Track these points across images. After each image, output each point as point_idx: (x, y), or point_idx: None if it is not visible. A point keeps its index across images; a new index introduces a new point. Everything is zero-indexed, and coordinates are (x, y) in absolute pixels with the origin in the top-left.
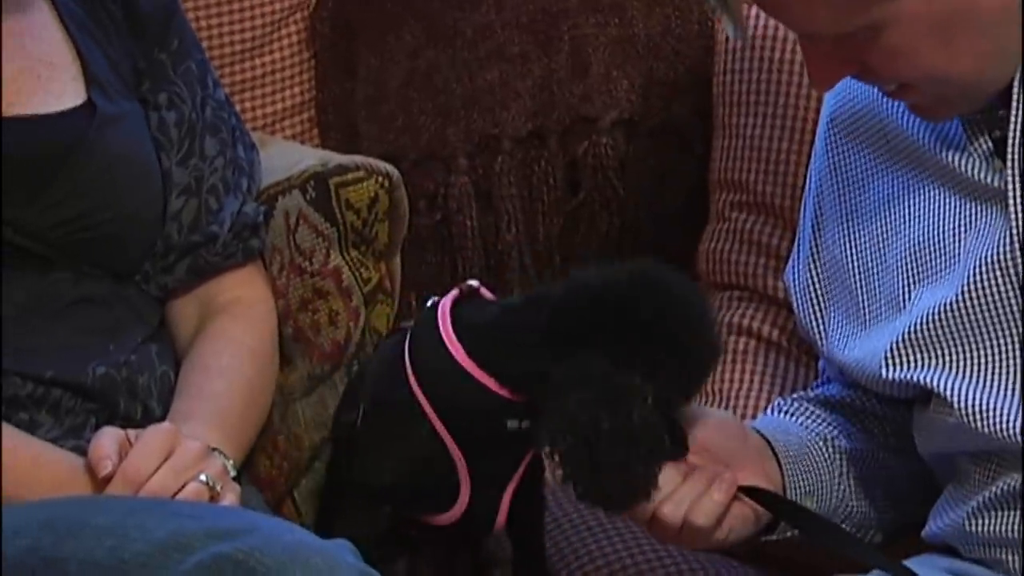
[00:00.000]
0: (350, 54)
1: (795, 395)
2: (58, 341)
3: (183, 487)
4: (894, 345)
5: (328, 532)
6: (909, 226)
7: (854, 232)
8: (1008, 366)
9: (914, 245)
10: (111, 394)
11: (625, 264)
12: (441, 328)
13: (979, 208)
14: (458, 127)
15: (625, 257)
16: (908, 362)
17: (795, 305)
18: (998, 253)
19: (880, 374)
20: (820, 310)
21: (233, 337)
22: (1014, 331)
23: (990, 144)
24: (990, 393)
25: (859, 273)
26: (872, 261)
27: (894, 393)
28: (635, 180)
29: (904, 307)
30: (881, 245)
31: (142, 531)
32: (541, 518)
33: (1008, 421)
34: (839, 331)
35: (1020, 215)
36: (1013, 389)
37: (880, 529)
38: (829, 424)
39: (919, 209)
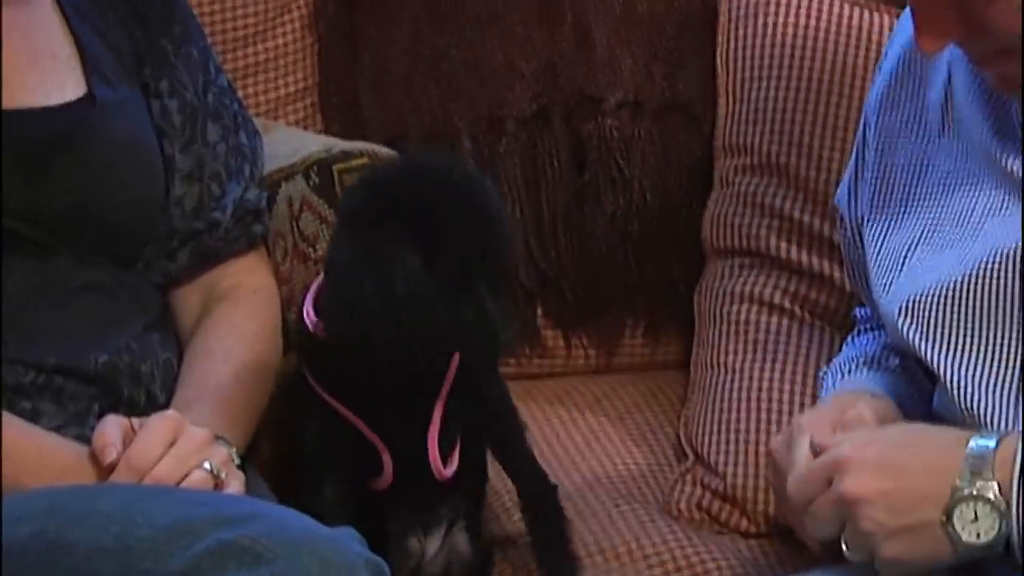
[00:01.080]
0: (353, 38)
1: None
2: (60, 328)
3: (188, 475)
4: (903, 307)
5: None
6: (939, 190)
7: (892, 170)
8: (1006, 359)
9: (938, 210)
10: (114, 381)
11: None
12: (305, 298)
13: (1010, 198)
14: (462, 108)
15: (631, 235)
16: (911, 331)
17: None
18: (1016, 246)
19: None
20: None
21: (236, 323)
22: (1016, 325)
23: None
24: (984, 384)
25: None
26: (899, 208)
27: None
28: (640, 159)
29: (905, 266)
30: (909, 199)
31: (147, 518)
32: (512, 439)
33: (997, 415)
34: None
35: None
36: (1009, 385)
37: None
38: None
39: (955, 178)
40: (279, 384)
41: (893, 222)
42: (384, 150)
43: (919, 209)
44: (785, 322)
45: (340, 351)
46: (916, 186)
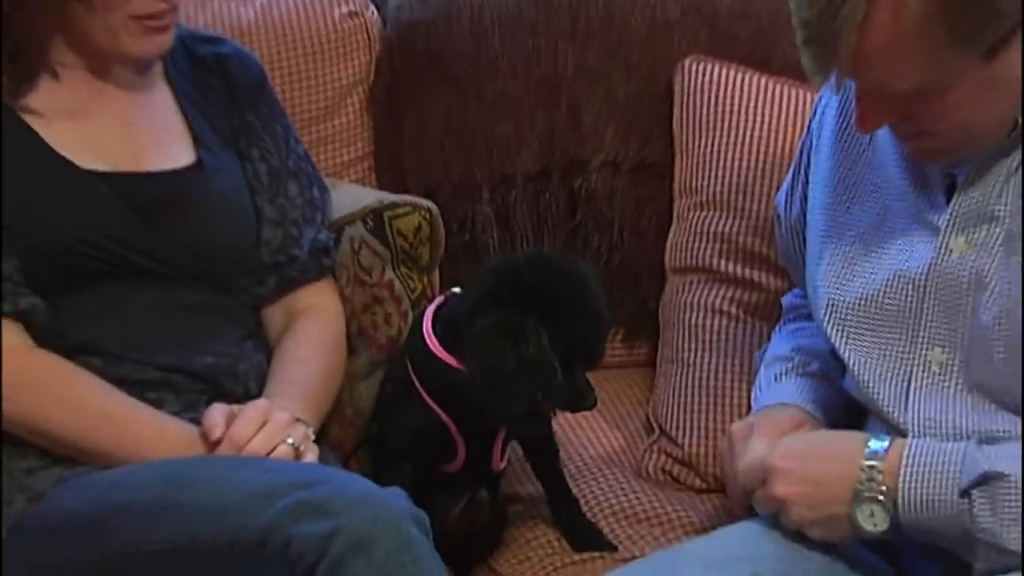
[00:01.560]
0: (398, 117)
1: (781, 366)
2: (177, 338)
3: (274, 448)
4: (828, 306)
5: (379, 482)
6: (864, 220)
7: (830, 199)
8: (898, 358)
9: (861, 236)
10: (218, 378)
11: (526, 251)
12: (424, 324)
13: (919, 232)
14: (482, 168)
15: (612, 263)
16: (831, 328)
17: (778, 231)
18: (917, 273)
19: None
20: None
21: (311, 334)
22: (908, 333)
23: (944, 189)
24: (880, 375)
25: (825, 228)
26: (833, 228)
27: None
28: (619, 206)
29: (836, 273)
30: (843, 220)
31: (242, 482)
32: (553, 460)
33: (888, 398)
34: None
35: (943, 251)
36: (898, 376)
37: None
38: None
39: (879, 212)
40: (386, 385)
41: (832, 237)
42: (423, 201)
43: (855, 229)
44: (728, 323)
45: (470, 386)
46: (855, 210)
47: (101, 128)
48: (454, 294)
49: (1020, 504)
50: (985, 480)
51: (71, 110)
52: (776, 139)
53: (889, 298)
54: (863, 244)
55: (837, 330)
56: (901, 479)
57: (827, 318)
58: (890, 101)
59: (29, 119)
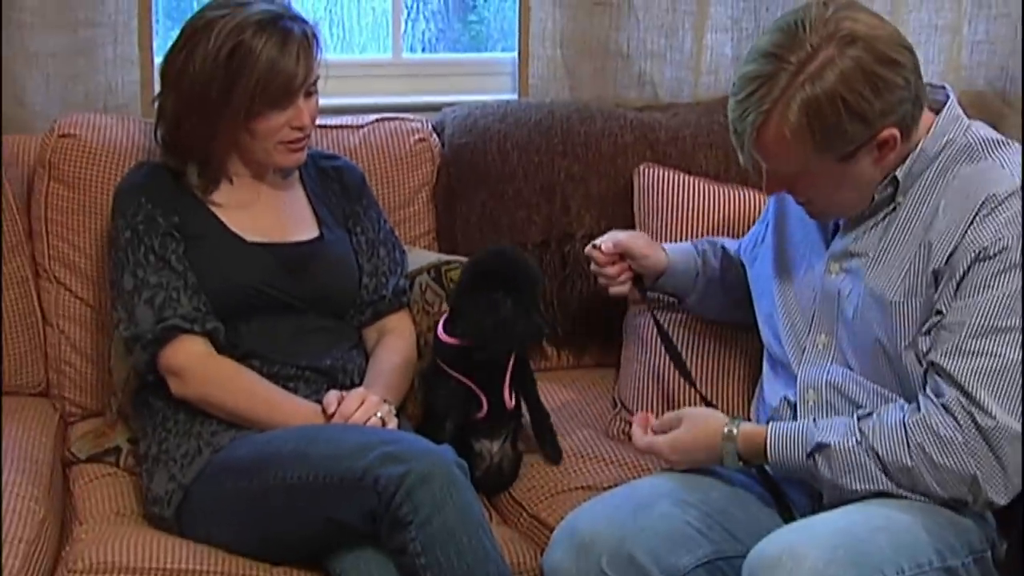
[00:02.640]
0: (452, 206)
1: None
2: (307, 348)
3: (368, 420)
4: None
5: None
6: (789, 257)
7: (776, 247)
8: (800, 342)
9: (782, 268)
10: (334, 374)
11: (488, 248)
12: (438, 326)
13: (818, 259)
14: (504, 239)
15: (592, 300)
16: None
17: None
18: (815, 285)
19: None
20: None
21: (394, 346)
22: (808, 323)
23: (831, 234)
24: (789, 348)
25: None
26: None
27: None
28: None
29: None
30: (779, 264)
31: (347, 441)
32: (531, 385)
33: (793, 364)
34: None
35: (826, 272)
36: (798, 357)
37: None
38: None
39: (800, 252)
40: (422, 372)
41: (777, 260)
42: (465, 259)
43: (791, 255)
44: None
45: (467, 349)
46: (791, 245)
47: (260, 214)
48: None
49: (847, 461)
50: (818, 448)
51: (241, 203)
52: (701, 220)
53: (802, 298)
54: (793, 264)
55: (772, 311)
56: (768, 448)
57: (764, 303)
58: (780, 178)
59: (214, 209)
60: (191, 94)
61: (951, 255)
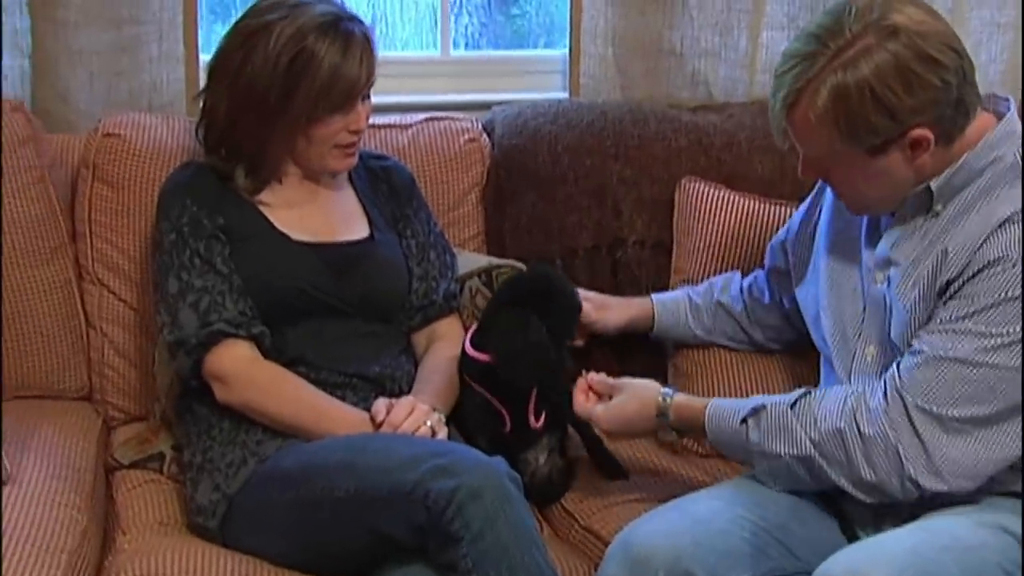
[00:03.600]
0: (502, 208)
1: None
2: (355, 354)
3: (418, 429)
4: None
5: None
6: (833, 257)
7: (819, 243)
8: (849, 350)
9: (827, 269)
10: (382, 381)
11: (530, 266)
12: (465, 338)
13: (866, 276)
14: (555, 244)
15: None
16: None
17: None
18: (860, 297)
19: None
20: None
21: (443, 353)
22: (855, 332)
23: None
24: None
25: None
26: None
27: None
28: (644, 268)
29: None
30: (828, 262)
31: (399, 452)
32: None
33: (840, 366)
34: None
35: (870, 281)
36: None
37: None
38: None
39: (844, 257)
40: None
41: (831, 264)
42: (518, 263)
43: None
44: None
45: (492, 367)
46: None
47: (309, 214)
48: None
49: (777, 423)
50: (752, 412)
51: (289, 202)
52: (742, 241)
53: (846, 304)
54: (838, 264)
55: (818, 312)
56: (706, 418)
57: (815, 314)
58: (812, 162)
59: (262, 208)
60: (248, 97)
61: (963, 269)
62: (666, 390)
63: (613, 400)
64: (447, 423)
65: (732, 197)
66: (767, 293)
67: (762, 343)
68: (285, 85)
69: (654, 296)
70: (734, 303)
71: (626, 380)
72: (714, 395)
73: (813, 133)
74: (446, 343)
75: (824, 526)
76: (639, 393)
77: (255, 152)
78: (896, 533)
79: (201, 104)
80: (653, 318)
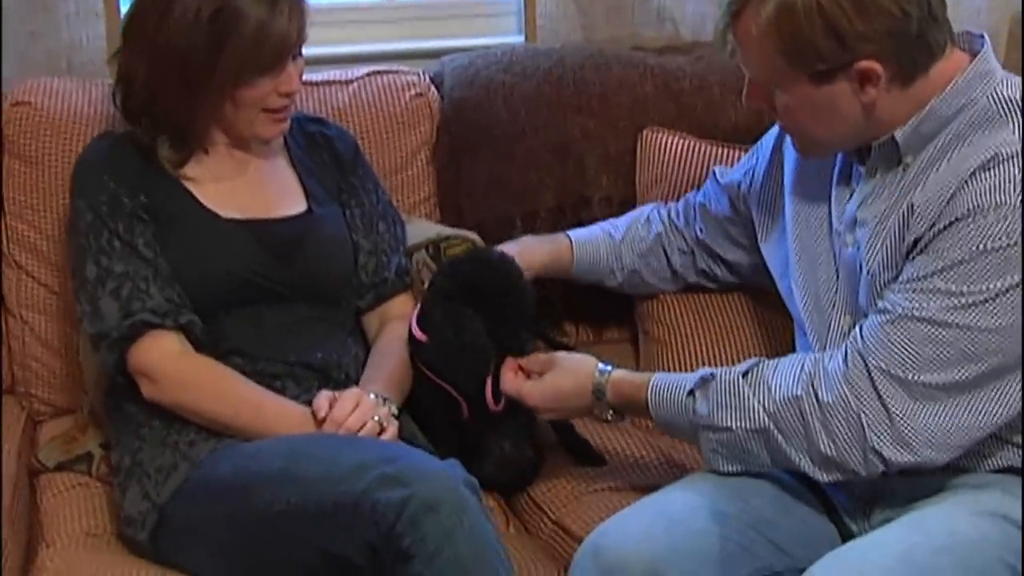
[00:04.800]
0: (455, 170)
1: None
2: (296, 341)
3: (364, 424)
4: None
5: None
6: (796, 208)
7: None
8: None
9: (800, 238)
10: (327, 369)
11: (473, 251)
12: (413, 315)
13: (836, 240)
14: (516, 206)
15: None
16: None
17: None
18: (833, 261)
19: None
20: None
21: (397, 331)
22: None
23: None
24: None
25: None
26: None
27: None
28: None
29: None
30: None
31: (343, 459)
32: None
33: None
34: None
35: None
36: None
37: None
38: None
39: (812, 220)
40: None
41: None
42: (471, 234)
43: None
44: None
45: (436, 366)
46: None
47: (238, 188)
48: None
49: (727, 393)
50: (703, 382)
51: (217, 176)
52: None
53: (819, 270)
54: (801, 218)
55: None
56: (649, 394)
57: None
58: (754, 86)
59: (187, 184)
60: (168, 60)
61: (932, 224)
62: (604, 366)
63: (546, 376)
64: (401, 413)
65: (699, 146)
66: (699, 228)
67: (683, 276)
68: (208, 45)
69: (571, 233)
70: (654, 231)
71: (561, 354)
72: (696, 367)
73: (755, 49)
74: (401, 323)
75: (812, 516)
76: (574, 368)
77: (179, 120)
78: (888, 535)
79: (117, 68)
80: (572, 258)
